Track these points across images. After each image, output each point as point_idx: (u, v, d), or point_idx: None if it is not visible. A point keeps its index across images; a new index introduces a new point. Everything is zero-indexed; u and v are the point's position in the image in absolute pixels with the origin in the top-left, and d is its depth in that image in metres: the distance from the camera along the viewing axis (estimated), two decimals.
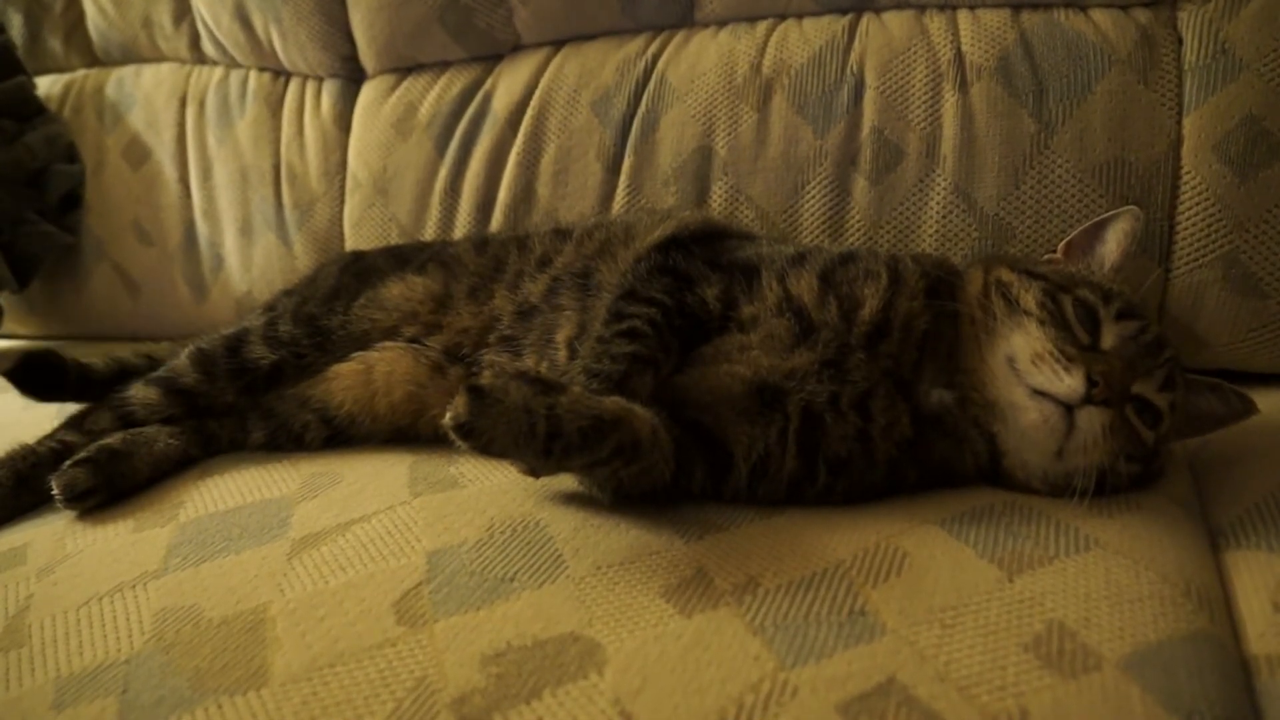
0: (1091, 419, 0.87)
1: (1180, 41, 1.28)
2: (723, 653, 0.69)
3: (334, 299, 1.25)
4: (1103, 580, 0.75)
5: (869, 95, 1.40)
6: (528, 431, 0.76)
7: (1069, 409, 0.87)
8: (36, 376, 1.29)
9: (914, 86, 1.38)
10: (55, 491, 1.02)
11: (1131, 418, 0.90)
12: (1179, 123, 1.26)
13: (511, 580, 0.80)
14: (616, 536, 0.86)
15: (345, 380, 1.17)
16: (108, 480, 1.05)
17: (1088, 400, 0.86)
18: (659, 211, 1.36)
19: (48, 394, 1.31)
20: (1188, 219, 1.25)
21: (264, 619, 0.78)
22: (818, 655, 0.68)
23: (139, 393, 1.21)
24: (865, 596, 0.75)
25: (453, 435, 0.75)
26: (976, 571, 0.77)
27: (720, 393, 0.94)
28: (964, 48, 1.36)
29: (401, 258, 1.31)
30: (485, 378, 0.77)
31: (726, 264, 1.03)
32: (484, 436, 0.75)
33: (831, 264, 1.00)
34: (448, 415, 0.74)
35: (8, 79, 1.97)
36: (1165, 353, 0.94)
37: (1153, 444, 0.92)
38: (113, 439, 1.10)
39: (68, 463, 1.04)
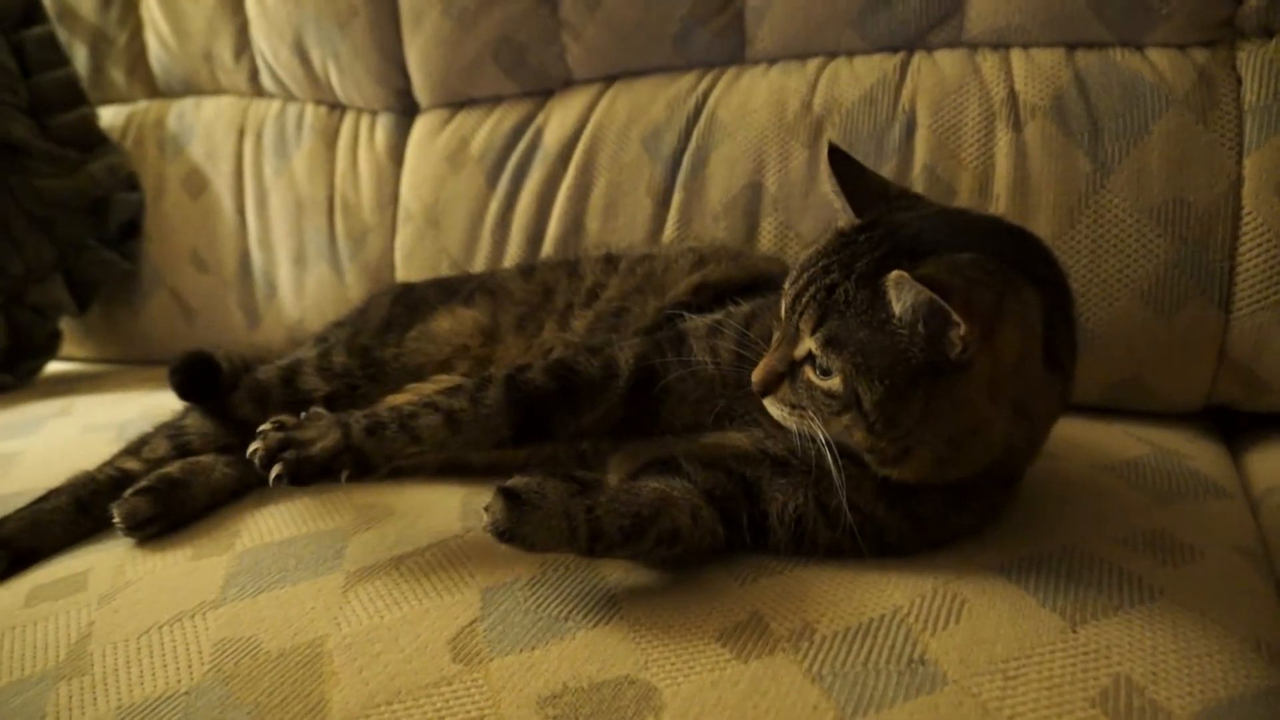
0: (769, 404, 0.88)
1: (1239, 82, 1.27)
2: (781, 700, 0.68)
3: (387, 331, 1.26)
4: (1170, 633, 0.74)
5: (920, 133, 1.39)
6: (569, 535, 0.78)
7: None
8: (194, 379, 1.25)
9: (966, 125, 1.37)
10: (117, 519, 1.03)
11: (810, 376, 0.84)
12: (1239, 163, 1.24)
13: (566, 619, 0.80)
14: (669, 577, 0.86)
15: None
16: (167, 509, 1.06)
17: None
18: (702, 247, 1.36)
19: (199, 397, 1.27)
20: (1249, 260, 1.23)
21: (321, 653, 0.79)
22: (878, 706, 0.67)
23: (195, 422, 1.22)
24: (924, 645, 0.74)
25: (492, 539, 0.76)
26: (1038, 620, 0.76)
27: (740, 451, 0.94)
28: (1017, 87, 1.36)
29: (450, 289, 1.32)
30: (518, 480, 0.78)
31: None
32: (525, 541, 0.76)
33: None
34: (485, 519, 0.76)
35: (72, 110, 2.02)
36: (805, 296, 0.84)
37: (842, 388, 0.81)
38: (172, 468, 1.12)
39: (129, 491, 1.06)
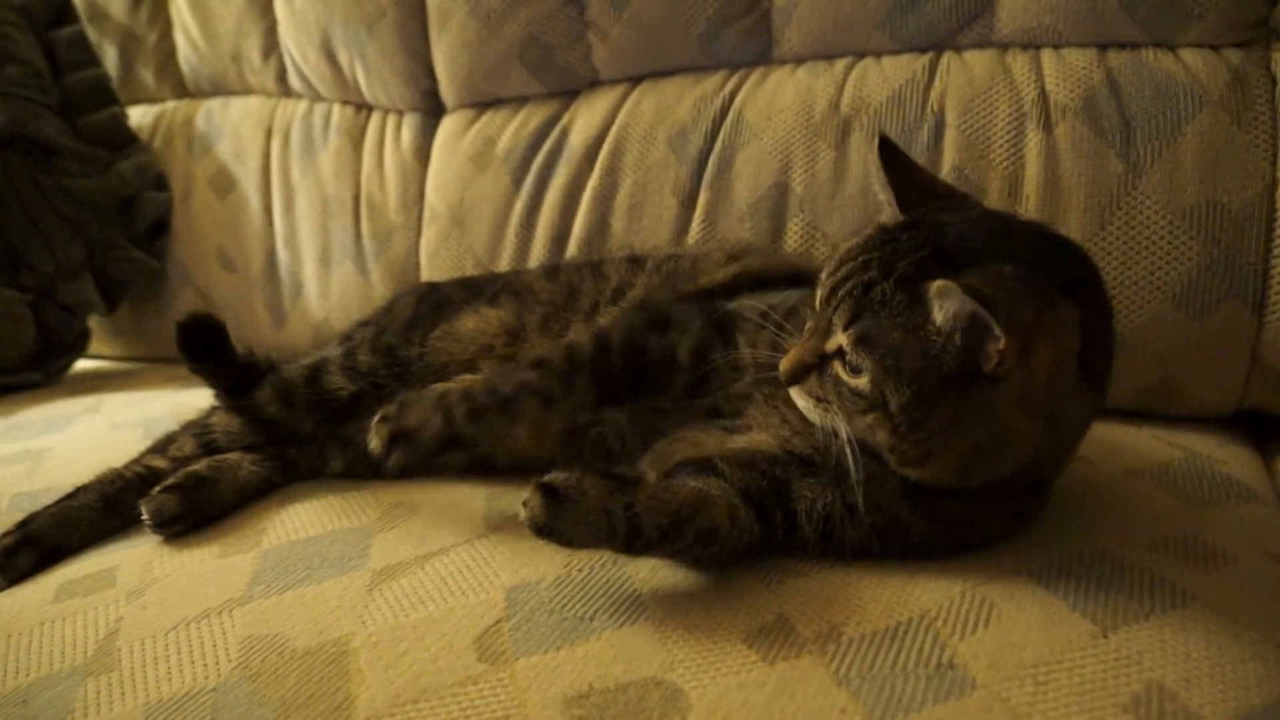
0: (794, 394, 0.89)
1: (1274, 83, 1.25)
2: (808, 704, 0.68)
3: (411, 330, 1.26)
4: (1203, 639, 0.73)
5: (949, 134, 1.38)
6: (607, 531, 0.78)
7: None
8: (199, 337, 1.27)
9: (996, 126, 1.36)
10: (145, 516, 1.04)
11: (838, 371, 0.84)
12: (1274, 165, 1.22)
13: (591, 620, 0.80)
14: (695, 578, 0.85)
15: None
16: (194, 506, 1.07)
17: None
18: (730, 246, 1.36)
19: (205, 357, 1.28)
20: None
21: (347, 651, 0.79)
22: (906, 709, 0.67)
23: (221, 420, 1.23)
24: (953, 649, 0.73)
25: (531, 533, 0.77)
26: (1069, 625, 0.75)
27: (770, 454, 0.93)
28: (1048, 87, 1.35)
29: (474, 288, 1.31)
30: (556, 476, 0.78)
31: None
32: (564, 536, 0.77)
33: None
34: (523, 513, 0.76)
35: (102, 110, 2.05)
36: (842, 290, 0.83)
37: (870, 388, 0.80)
38: (199, 465, 1.12)
39: (157, 489, 1.07)
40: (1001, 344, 0.73)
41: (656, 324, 1.04)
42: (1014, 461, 0.82)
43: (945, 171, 1.37)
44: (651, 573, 0.86)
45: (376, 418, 0.94)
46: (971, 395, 0.77)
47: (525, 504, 0.77)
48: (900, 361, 0.78)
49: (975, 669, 0.70)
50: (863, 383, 0.81)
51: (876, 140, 0.93)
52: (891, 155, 0.93)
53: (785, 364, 0.87)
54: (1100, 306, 0.86)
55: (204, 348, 1.23)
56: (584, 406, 1.00)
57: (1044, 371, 0.78)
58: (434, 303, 1.31)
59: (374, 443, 0.93)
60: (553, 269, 1.32)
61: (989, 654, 0.72)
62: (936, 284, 0.74)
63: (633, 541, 0.79)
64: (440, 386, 1.03)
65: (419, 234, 1.81)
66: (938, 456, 0.81)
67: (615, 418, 1.06)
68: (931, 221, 0.85)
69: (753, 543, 0.87)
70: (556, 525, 0.76)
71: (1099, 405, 0.89)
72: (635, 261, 1.25)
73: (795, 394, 0.88)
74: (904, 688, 0.69)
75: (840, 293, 0.83)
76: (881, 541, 0.86)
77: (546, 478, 0.78)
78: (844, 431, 0.84)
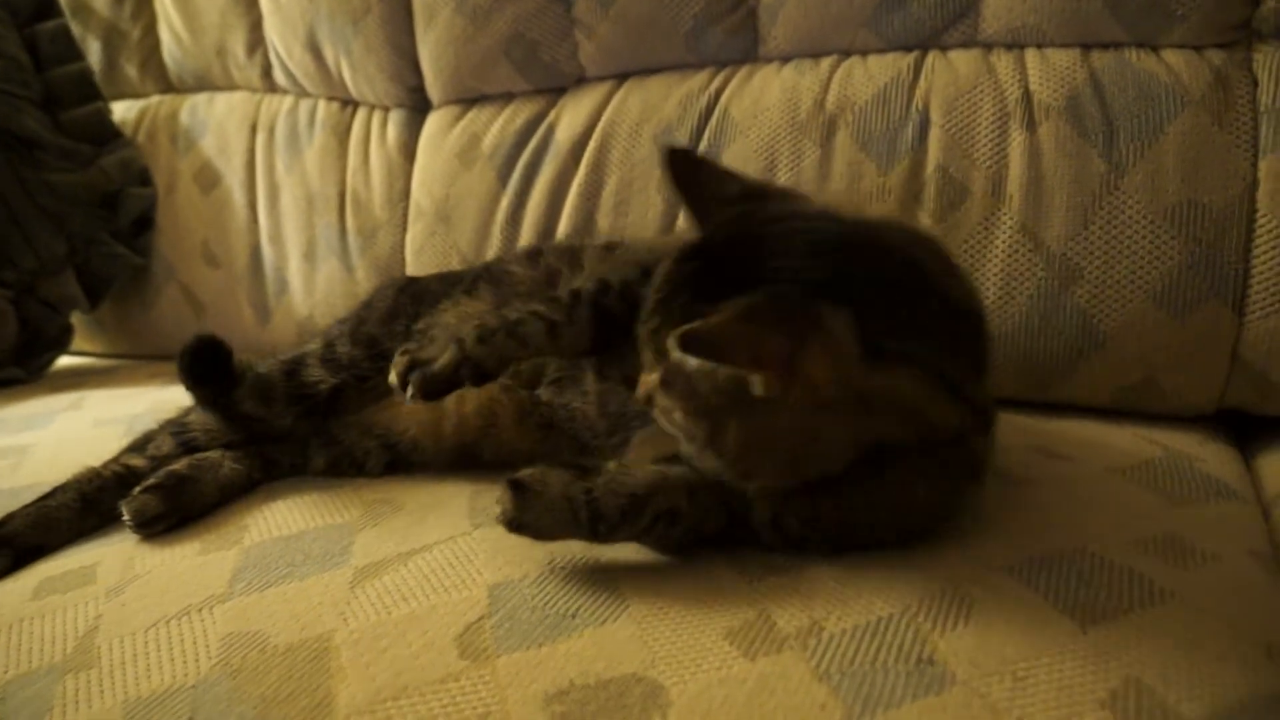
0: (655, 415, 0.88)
1: (1255, 83, 1.26)
2: (788, 699, 0.68)
3: (392, 320, 1.25)
4: (1180, 636, 0.73)
5: (934, 133, 1.39)
6: (572, 519, 0.81)
7: None
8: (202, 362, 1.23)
9: (980, 125, 1.37)
10: (126, 517, 1.03)
11: (664, 403, 0.85)
12: (1254, 165, 1.23)
13: (573, 617, 0.80)
14: (677, 575, 0.85)
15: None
16: (176, 505, 1.06)
17: None
18: None
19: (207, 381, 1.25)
20: (1263, 263, 1.22)
21: (328, 648, 0.79)
22: (885, 705, 0.67)
23: (199, 419, 1.23)
24: (933, 644, 0.73)
25: (505, 529, 0.81)
26: (1049, 622, 0.75)
27: None
28: (1032, 87, 1.35)
29: (453, 280, 1.31)
30: (524, 471, 0.82)
31: None
32: (533, 529, 0.81)
33: None
34: (497, 510, 0.81)
35: (85, 104, 2.03)
36: (643, 331, 0.87)
37: (682, 420, 0.83)
38: (179, 465, 1.12)
39: (138, 489, 1.06)
40: (757, 378, 0.74)
41: (649, 275, 1.05)
42: (844, 450, 0.81)
43: (930, 170, 1.37)
44: (634, 570, 0.86)
45: (398, 352, 0.97)
46: (759, 416, 0.78)
47: (498, 502, 0.80)
48: (690, 400, 0.81)
49: (955, 665, 0.71)
50: (677, 416, 0.83)
51: (664, 151, 0.92)
52: (682, 166, 0.92)
53: (640, 390, 0.88)
54: (894, 292, 0.82)
55: (208, 372, 1.22)
56: (582, 342, 1.00)
57: (825, 376, 0.75)
58: (414, 294, 1.30)
59: (392, 375, 0.95)
60: (535, 252, 1.32)
61: (969, 650, 0.72)
62: (670, 340, 0.73)
63: (597, 526, 0.82)
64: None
65: (404, 230, 1.81)
66: (758, 470, 0.83)
67: (585, 409, 1.08)
68: (717, 242, 0.86)
69: (719, 527, 0.88)
70: (524, 518, 0.80)
71: (945, 366, 0.83)
72: (609, 249, 1.26)
73: (655, 415, 0.88)
74: (884, 683, 0.69)
75: (643, 333, 0.87)
76: (818, 533, 0.87)
77: (515, 474, 0.81)
78: (685, 449, 0.87)
